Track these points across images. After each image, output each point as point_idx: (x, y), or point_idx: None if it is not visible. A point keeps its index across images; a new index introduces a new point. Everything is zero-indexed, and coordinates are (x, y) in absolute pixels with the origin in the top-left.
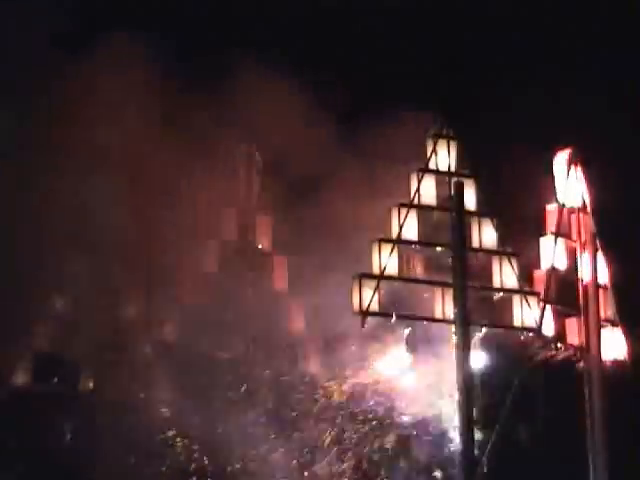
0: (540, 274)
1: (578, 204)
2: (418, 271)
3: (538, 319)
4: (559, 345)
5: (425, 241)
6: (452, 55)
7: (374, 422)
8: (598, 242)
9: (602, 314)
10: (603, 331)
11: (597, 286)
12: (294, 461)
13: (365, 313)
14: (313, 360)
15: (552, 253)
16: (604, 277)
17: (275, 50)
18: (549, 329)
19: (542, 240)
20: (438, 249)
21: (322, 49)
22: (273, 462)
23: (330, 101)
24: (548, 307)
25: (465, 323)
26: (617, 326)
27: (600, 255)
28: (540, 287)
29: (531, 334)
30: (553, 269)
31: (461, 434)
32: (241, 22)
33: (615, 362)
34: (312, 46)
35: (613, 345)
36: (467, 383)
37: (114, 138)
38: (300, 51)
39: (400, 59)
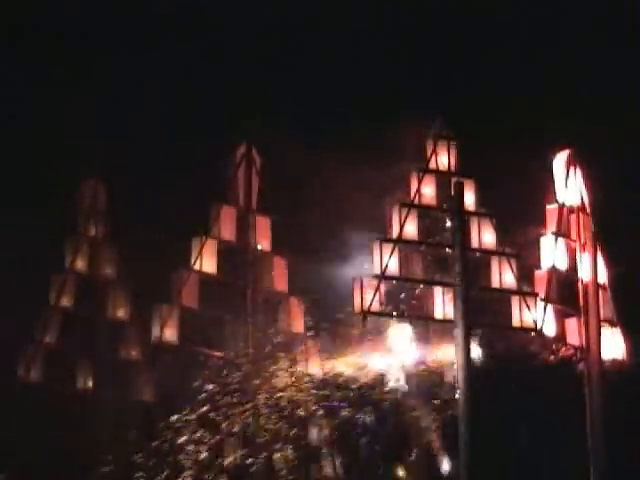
0: (541, 274)
1: (578, 204)
2: (418, 271)
3: (539, 319)
4: (559, 345)
5: (425, 241)
6: (452, 55)
7: None
8: (597, 242)
9: (601, 314)
10: (602, 331)
11: (597, 286)
12: None
13: (366, 313)
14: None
15: (553, 253)
16: (603, 277)
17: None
18: (550, 329)
19: (543, 240)
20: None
21: (322, 49)
22: None
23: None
24: (549, 307)
25: (465, 323)
26: (616, 326)
27: (599, 255)
28: (541, 287)
29: (532, 334)
30: (554, 269)
31: (462, 434)
32: None
33: (614, 362)
34: (311, 46)
35: (612, 345)
36: (467, 383)
37: None
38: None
39: (400, 59)
